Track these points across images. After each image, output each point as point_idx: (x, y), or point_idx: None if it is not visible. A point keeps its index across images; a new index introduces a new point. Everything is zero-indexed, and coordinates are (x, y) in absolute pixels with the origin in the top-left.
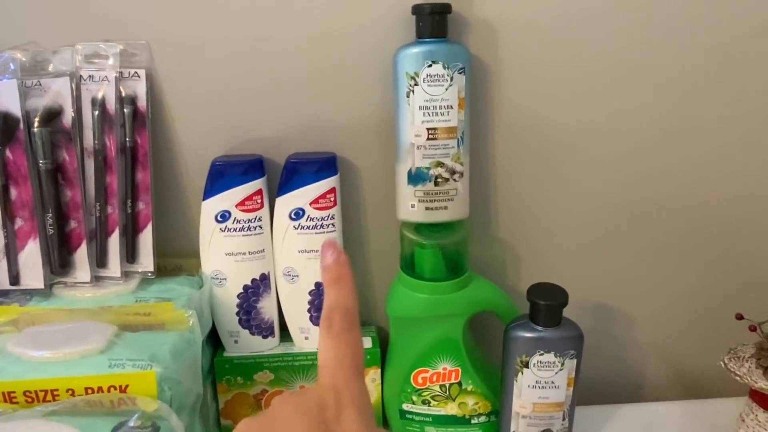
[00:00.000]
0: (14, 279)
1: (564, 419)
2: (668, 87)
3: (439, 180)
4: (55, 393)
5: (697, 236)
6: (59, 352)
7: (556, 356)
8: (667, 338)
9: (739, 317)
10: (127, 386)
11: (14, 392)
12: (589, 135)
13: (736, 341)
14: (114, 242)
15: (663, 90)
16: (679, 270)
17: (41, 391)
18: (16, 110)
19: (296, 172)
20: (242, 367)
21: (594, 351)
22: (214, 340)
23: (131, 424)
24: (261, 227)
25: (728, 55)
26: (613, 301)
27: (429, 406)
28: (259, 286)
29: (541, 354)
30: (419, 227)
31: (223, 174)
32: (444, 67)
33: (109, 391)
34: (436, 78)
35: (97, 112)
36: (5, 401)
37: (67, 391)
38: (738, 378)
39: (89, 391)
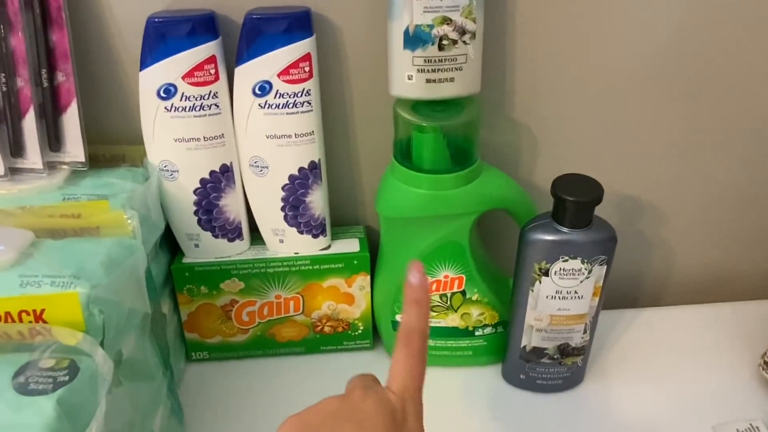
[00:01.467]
0: None
1: (585, 332)
2: None
3: (444, 42)
4: None
5: (745, 124)
6: None
7: (583, 262)
8: (699, 238)
9: None
10: (43, 311)
11: None
12: None
13: None
14: (30, 125)
15: None
16: (720, 162)
17: None
18: None
19: (259, 32)
20: (205, 274)
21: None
22: (172, 244)
23: (41, 365)
24: (217, 106)
25: None
26: (643, 193)
27: None
28: (219, 180)
29: (565, 260)
30: (418, 105)
31: (164, 35)
32: None
33: (20, 318)
34: None
35: None
36: None
37: None
38: None
39: None
